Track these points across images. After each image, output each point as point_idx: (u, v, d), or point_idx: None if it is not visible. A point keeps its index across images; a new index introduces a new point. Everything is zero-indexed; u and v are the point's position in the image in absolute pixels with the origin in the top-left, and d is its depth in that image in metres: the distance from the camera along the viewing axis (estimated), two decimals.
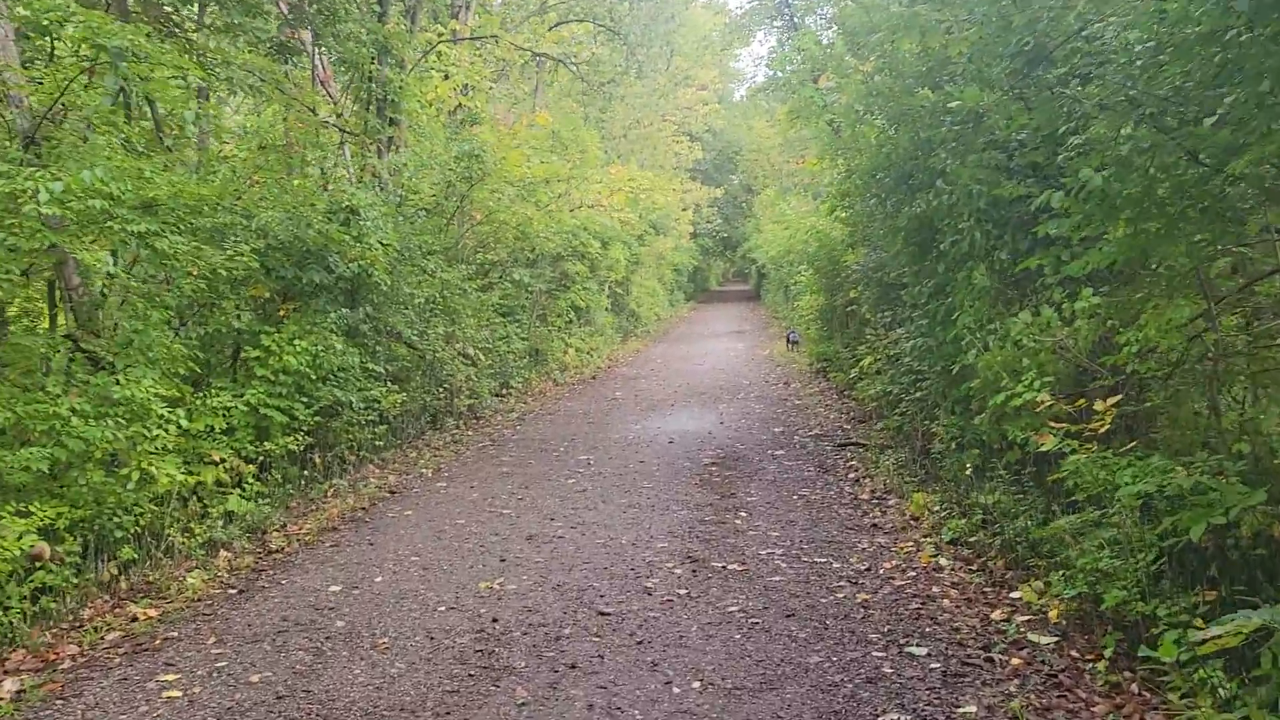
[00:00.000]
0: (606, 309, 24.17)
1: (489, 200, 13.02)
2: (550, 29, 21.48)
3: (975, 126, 7.39)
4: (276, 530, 7.41)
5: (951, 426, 8.31)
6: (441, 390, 11.98)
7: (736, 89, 56.03)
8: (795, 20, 30.43)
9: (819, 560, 6.25)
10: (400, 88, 12.96)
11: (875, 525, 7.12)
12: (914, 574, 5.88)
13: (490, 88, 20.63)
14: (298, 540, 7.17)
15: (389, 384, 10.47)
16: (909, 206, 8.69)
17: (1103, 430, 5.29)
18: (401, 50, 13.11)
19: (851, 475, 8.93)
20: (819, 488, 8.51)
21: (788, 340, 24.34)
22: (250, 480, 7.83)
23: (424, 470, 9.73)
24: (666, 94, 30.21)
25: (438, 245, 12.07)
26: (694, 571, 6.11)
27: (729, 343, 25.73)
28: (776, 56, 30.68)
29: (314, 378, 8.61)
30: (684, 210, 38.05)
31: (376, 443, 10.08)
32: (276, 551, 6.90)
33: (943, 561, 6.02)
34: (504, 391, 15.08)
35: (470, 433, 12.02)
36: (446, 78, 15.98)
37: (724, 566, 6.18)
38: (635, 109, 25.69)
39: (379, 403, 10.13)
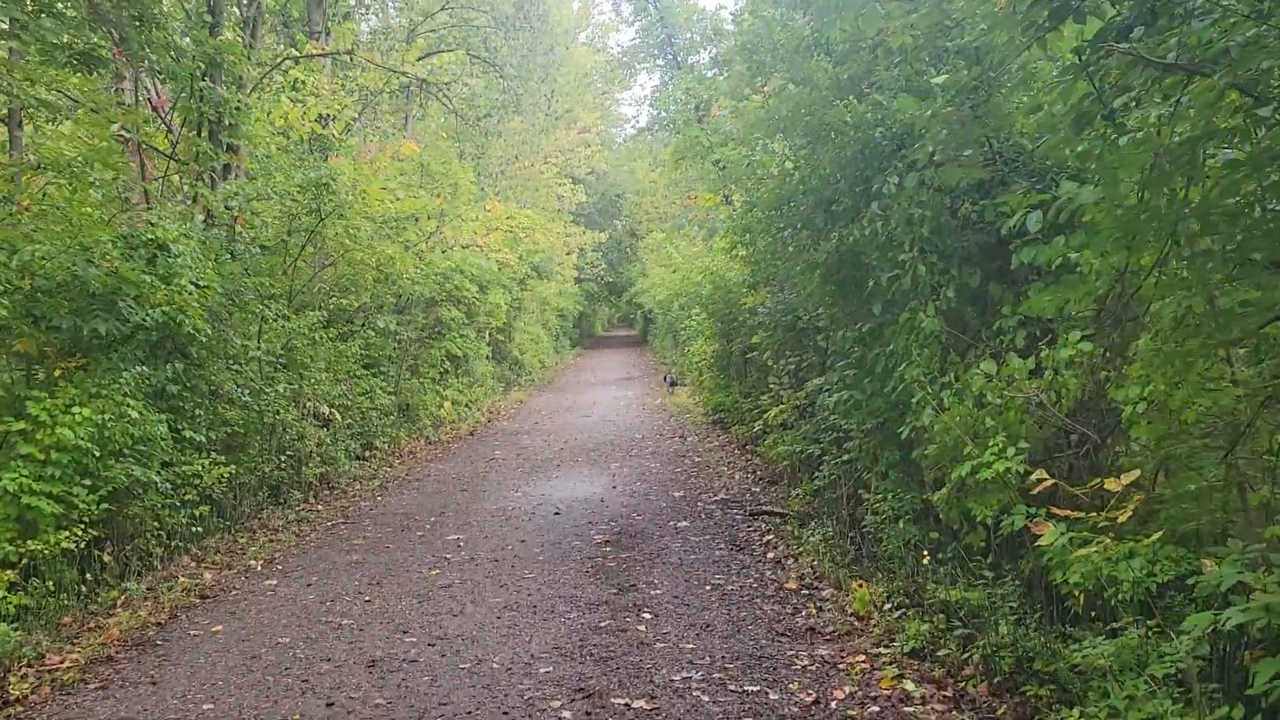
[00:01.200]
0: (487, 357, 22.50)
1: (344, 237, 11.35)
2: (420, 59, 19.95)
3: (911, 142, 6.23)
4: (29, 664, 5.54)
5: (887, 494, 7.06)
6: (285, 458, 10.16)
7: (619, 133, 55.42)
8: (679, 59, 29.72)
9: (750, 689, 4.80)
10: (237, 109, 11.21)
11: (812, 629, 5.72)
12: (877, 709, 4.49)
13: (354, 119, 18.95)
14: (52, 680, 5.32)
15: (213, 455, 8.64)
16: (830, 239, 7.50)
17: (1124, 520, 4.04)
18: (238, 66, 11.39)
19: (771, 555, 7.56)
20: (735, 573, 7.10)
21: (666, 380, 24.07)
22: (1, 593, 5.95)
23: (253, 562, 7.92)
24: (547, 131, 28.92)
25: (279, 288, 10.31)
26: (588, 715, 4.58)
27: (617, 391, 24.36)
28: (660, 96, 29.88)
29: (100, 454, 6.78)
30: (568, 254, 36.75)
31: (195, 529, 8.21)
32: (16, 702, 5.05)
33: (909, 687, 4.65)
34: (367, 454, 13.27)
35: (321, 507, 10.21)
36: (298, 103, 14.25)
37: (628, 705, 4.67)
38: (513, 145, 24.29)
39: (199, 479, 8.31)
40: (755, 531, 8.35)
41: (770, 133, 9.12)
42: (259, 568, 7.76)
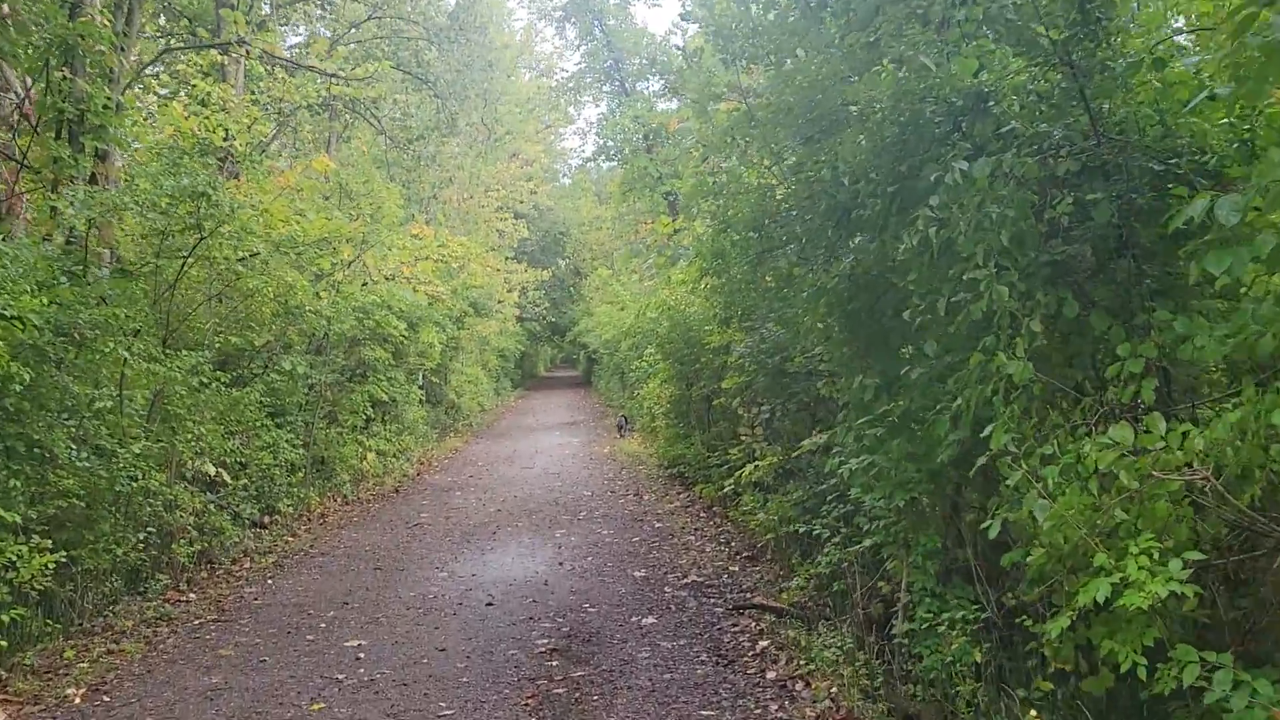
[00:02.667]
0: (420, 402, 20.46)
1: (234, 262, 9.38)
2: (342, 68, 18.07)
3: (978, 119, 4.56)
4: None
5: (926, 594, 5.32)
6: (147, 535, 8.08)
7: (563, 169, 53.96)
8: (626, 86, 28.26)
9: None
10: (105, 108, 9.24)
11: None
12: None
13: (269, 137, 16.99)
14: None
15: (36, 537, 6.58)
16: (841, 258, 5.82)
17: None
18: (108, 59, 9.45)
19: (771, 674, 5.72)
20: (728, 706, 5.25)
21: (619, 428, 22.43)
22: None
23: (72, 689, 5.86)
24: (485, 155, 27.13)
25: (143, 323, 8.29)
26: None
27: (562, 437, 22.44)
28: (607, 123, 28.36)
29: None
30: (509, 292, 34.89)
31: None
32: None
33: None
34: (268, 520, 11.18)
35: (193, 596, 8.14)
36: (195, 114, 12.29)
37: None
38: (449, 170, 22.45)
39: (14, 569, 6.26)
40: (744, 634, 6.52)
41: (753, 134, 7.53)
42: (78, 700, 5.70)
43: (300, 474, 12.45)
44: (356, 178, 13.26)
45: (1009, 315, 4.24)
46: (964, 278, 4.34)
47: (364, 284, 13.84)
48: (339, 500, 13.38)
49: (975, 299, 4.30)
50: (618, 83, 27.93)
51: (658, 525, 10.79)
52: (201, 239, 8.78)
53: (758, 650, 6.11)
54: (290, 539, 10.66)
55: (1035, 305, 4.25)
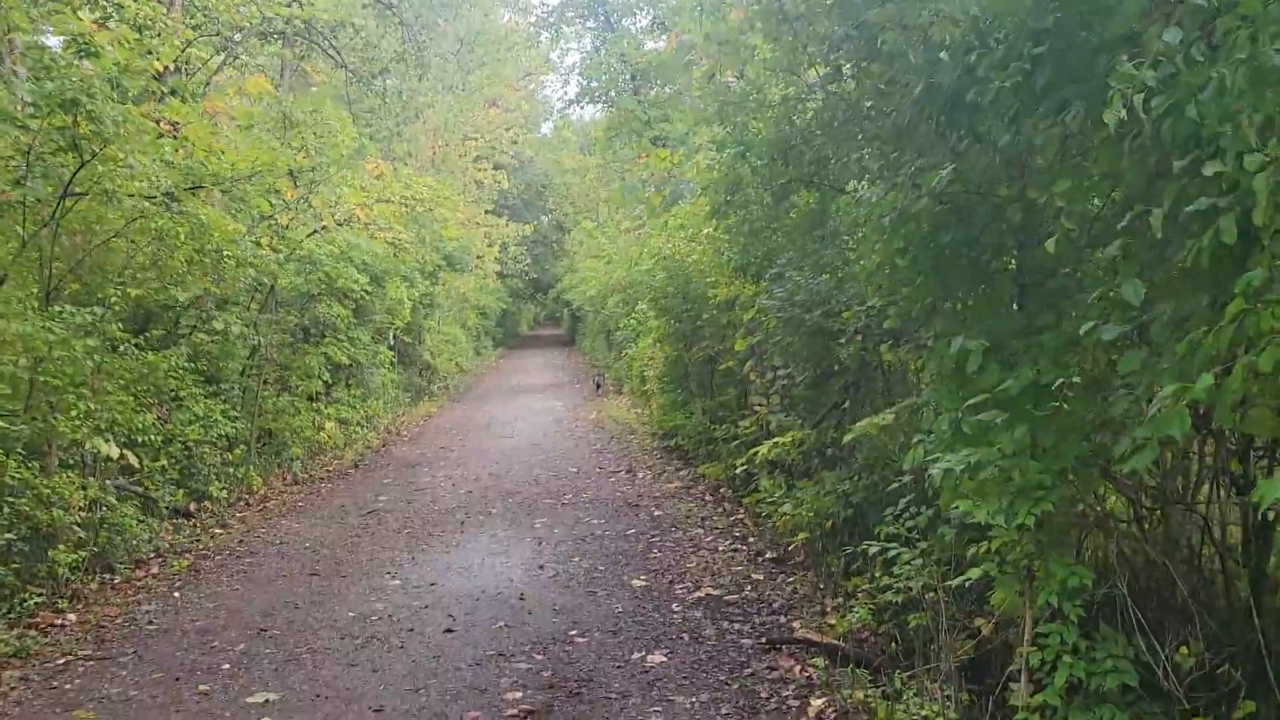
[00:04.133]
0: (389, 364, 18.64)
1: (141, 198, 7.52)
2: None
3: None
4: None
5: (1068, 648, 3.68)
6: (7, 541, 6.32)
7: (545, 123, 51.64)
8: (611, 22, 26.17)
9: None
10: None
11: None
12: None
13: (219, 66, 15.02)
14: None
15: None
16: (940, 168, 4.09)
17: None
18: None
19: None
20: None
21: (595, 384, 22.66)
22: None
23: None
24: (461, 99, 25.02)
25: (3, 269, 6.46)
26: None
27: (545, 401, 20.74)
28: (591, 63, 26.31)
29: None
30: (489, 246, 32.94)
31: None
32: None
33: None
34: (195, 507, 9.45)
35: (71, 617, 6.39)
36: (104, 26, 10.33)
37: None
38: (415, 106, 20.34)
39: None
40: (786, 684, 4.84)
41: (782, 31, 5.87)
42: None
43: (239, 450, 10.69)
44: (302, 105, 11.34)
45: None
46: (1205, 173, 2.60)
47: (312, 231, 11.96)
48: (287, 479, 11.64)
49: (1225, 210, 2.57)
50: (602, 18, 25.83)
51: (656, 513, 9.11)
52: (83, 163, 6.91)
53: (811, 716, 4.43)
54: (218, 531, 8.93)
55: None
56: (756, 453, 8.34)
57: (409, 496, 10.44)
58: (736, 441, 9.48)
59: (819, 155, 6.11)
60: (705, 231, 11.03)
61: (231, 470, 10.38)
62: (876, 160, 4.58)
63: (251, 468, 10.91)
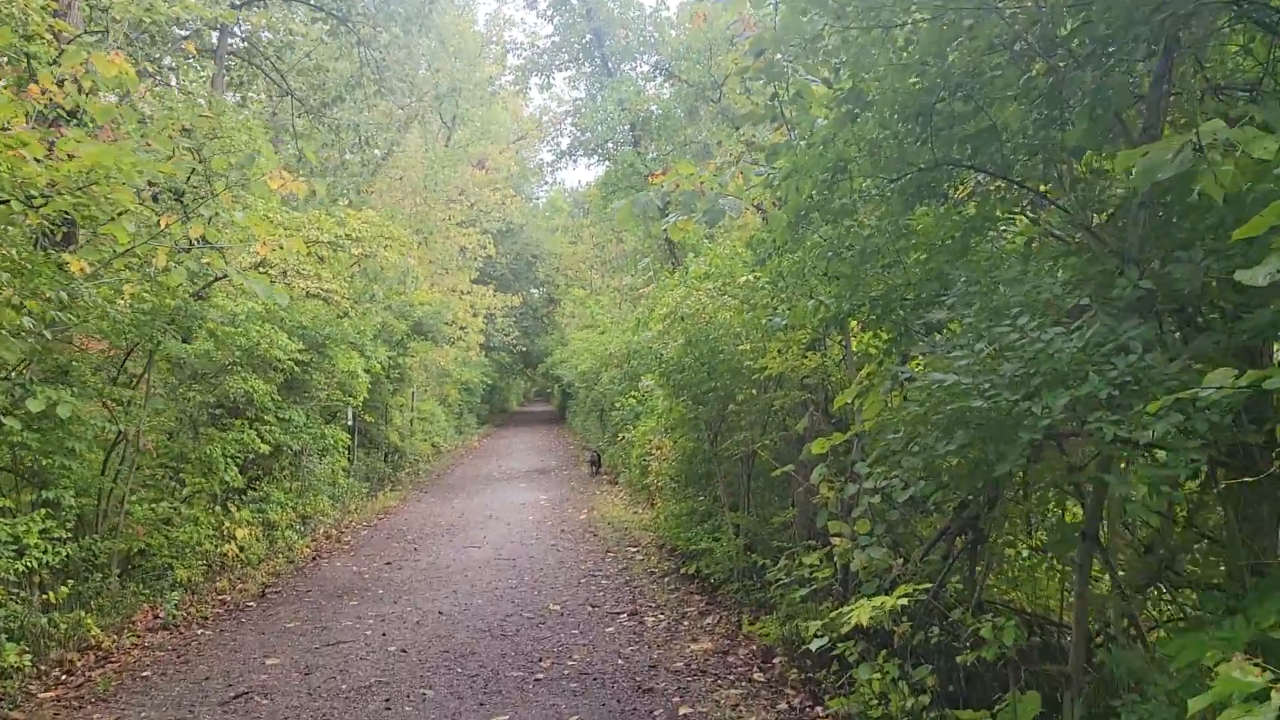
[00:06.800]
0: (345, 448, 15.30)
1: None
2: (233, 5, 13.15)
3: None
4: None
5: None
6: None
7: (536, 187, 49.20)
8: (609, 66, 23.47)
9: None
10: None
11: None
12: None
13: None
14: None
15: None
16: None
17: None
18: None
19: None
20: None
21: (591, 462, 20.52)
22: None
23: None
24: (443, 157, 22.07)
25: None
26: None
27: (527, 492, 17.40)
28: (586, 111, 23.53)
29: None
30: (474, 317, 29.91)
31: None
32: None
33: None
34: None
35: None
36: None
37: None
38: (379, 145, 17.34)
39: None
40: None
41: None
42: None
43: (66, 588, 7.33)
44: (192, 111, 8.23)
45: None
46: None
47: (211, 280, 8.77)
48: (152, 622, 8.24)
49: None
50: (599, 61, 23.09)
51: (685, 711, 5.74)
52: None
53: None
54: None
55: None
56: (844, 615, 5.10)
57: (310, 660, 7.07)
58: (805, 590, 6.18)
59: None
60: (743, 279, 7.91)
61: (46, 621, 7.02)
62: None
63: (87, 612, 7.54)
